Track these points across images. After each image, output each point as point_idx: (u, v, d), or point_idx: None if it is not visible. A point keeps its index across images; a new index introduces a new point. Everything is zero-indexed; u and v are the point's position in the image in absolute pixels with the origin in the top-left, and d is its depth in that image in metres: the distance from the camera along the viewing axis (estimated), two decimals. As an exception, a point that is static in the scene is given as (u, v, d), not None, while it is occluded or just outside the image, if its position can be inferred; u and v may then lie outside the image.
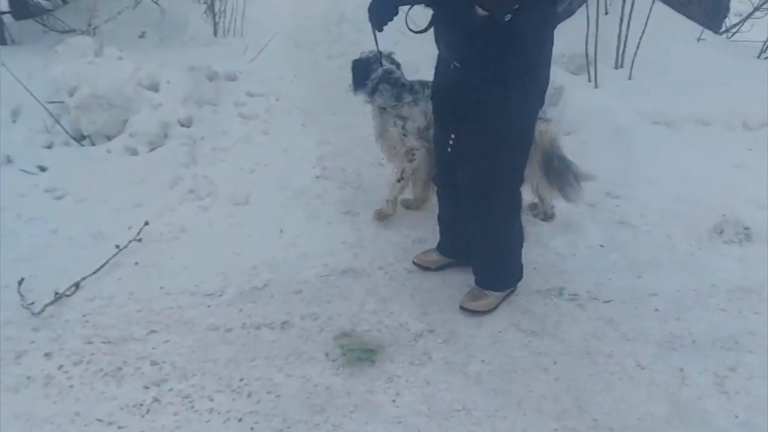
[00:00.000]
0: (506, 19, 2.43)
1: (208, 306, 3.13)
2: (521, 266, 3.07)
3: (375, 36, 2.99)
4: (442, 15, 2.65)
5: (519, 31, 2.47)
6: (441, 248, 3.31)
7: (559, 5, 2.66)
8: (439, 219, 3.29)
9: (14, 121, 4.57)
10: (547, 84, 2.74)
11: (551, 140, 3.33)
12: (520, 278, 3.09)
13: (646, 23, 4.46)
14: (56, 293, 3.14)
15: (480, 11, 2.45)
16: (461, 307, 3.01)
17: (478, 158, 2.76)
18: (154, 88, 4.59)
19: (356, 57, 3.62)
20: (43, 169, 4.20)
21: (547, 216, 3.64)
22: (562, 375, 2.65)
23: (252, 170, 4.25)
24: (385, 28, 2.73)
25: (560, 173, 3.34)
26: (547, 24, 2.62)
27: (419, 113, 3.47)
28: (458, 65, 2.70)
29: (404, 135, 3.51)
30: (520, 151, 2.80)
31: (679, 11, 5.12)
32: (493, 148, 2.72)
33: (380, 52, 3.33)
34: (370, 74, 3.48)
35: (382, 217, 3.68)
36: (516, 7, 2.42)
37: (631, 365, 2.68)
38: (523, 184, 2.97)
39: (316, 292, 3.21)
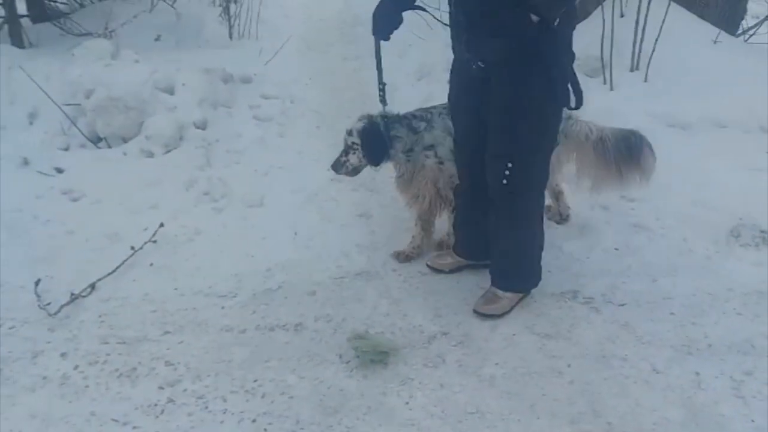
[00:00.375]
0: (555, 24, 2.51)
1: (222, 307, 3.14)
2: (539, 270, 3.05)
3: (378, 57, 3.05)
4: (470, 19, 2.65)
5: (546, 29, 2.51)
6: (457, 250, 3.30)
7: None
8: (456, 222, 3.28)
9: (31, 124, 4.61)
10: (571, 81, 2.73)
11: (602, 128, 3.31)
12: (536, 283, 3.07)
13: (661, 26, 4.44)
14: (72, 294, 3.17)
15: (533, 17, 2.50)
16: (474, 311, 3.01)
17: (506, 157, 2.76)
18: (170, 90, 4.62)
19: (360, 127, 3.28)
20: (59, 171, 4.24)
21: (562, 218, 3.63)
22: (577, 378, 2.63)
23: (266, 172, 4.26)
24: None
25: (637, 146, 3.28)
26: (570, 21, 2.64)
27: (441, 134, 3.26)
28: (482, 65, 2.70)
29: (440, 163, 3.27)
30: (547, 149, 2.82)
31: (695, 13, 5.08)
32: (518, 145, 2.72)
33: (383, 85, 3.12)
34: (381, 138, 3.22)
35: (449, 247, 3.41)
36: (563, 10, 2.51)
37: (647, 369, 2.66)
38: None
39: (330, 294, 3.22)
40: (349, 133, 3.30)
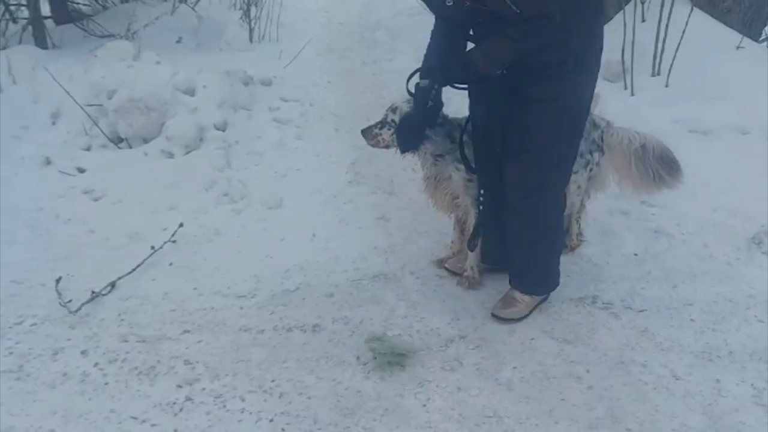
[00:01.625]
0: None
1: (241, 307, 3.16)
2: (558, 273, 3.03)
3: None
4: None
5: (571, 30, 2.52)
6: (482, 255, 3.24)
7: None
8: (480, 227, 3.18)
9: (54, 124, 4.67)
10: (595, 82, 2.75)
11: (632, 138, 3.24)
12: (554, 286, 3.05)
13: (684, 31, 4.41)
14: (93, 292, 3.20)
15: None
16: (492, 315, 3.00)
17: (524, 155, 2.75)
18: (191, 92, 4.66)
19: (405, 110, 3.08)
20: (81, 170, 4.29)
21: (572, 248, 3.46)
22: (595, 384, 2.61)
23: (285, 174, 4.28)
24: None
25: (668, 157, 3.25)
26: (596, 22, 2.64)
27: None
28: (505, 71, 2.69)
29: (469, 180, 3.10)
30: (565, 150, 2.79)
31: (717, 19, 5.05)
32: (539, 146, 2.71)
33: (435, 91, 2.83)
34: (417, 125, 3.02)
35: (473, 284, 3.24)
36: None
37: (666, 375, 2.64)
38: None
39: (348, 296, 3.22)
40: (393, 110, 3.14)
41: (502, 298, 3.04)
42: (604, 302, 3.10)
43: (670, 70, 4.49)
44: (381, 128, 3.16)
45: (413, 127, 2.99)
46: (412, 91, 2.83)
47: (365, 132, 3.21)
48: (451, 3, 2.49)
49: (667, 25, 4.51)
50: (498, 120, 2.80)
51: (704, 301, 3.08)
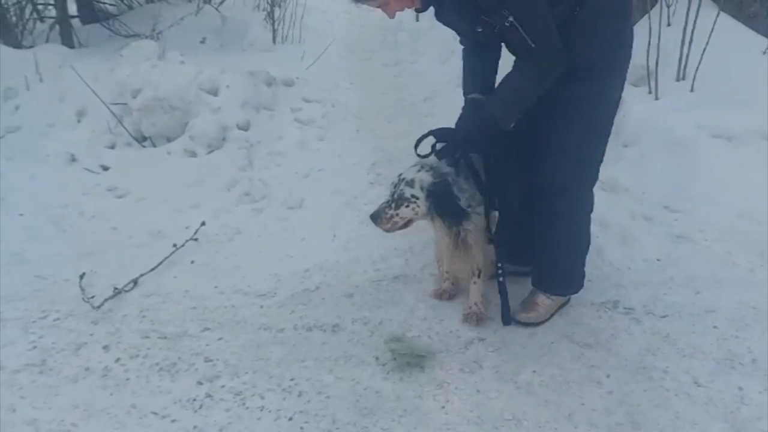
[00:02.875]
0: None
1: (261, 306, 3.18)
2: (582, 275, 3.01)
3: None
4: None
5: (599, 32, 2.52)
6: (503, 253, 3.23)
7: None
8: (499, 221, 3.12)
9: (79, 122, 4.73)
10: (623, 84, 2.72)
11: None
12: (579, 288, 3.03)
13: (709, 35, 4.36)
14: (115, 288, 3.24)
15: None
16: (512, 318, 2.96)
17: (551, 156, 2.73)
18: (214, 92, 4.69)
19: (428, 184, 2.76)
20: (105, 168, 4.34)
21: None
22: (616, 389, 2.59)
23: (306, 175, 4.30)
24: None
25: None
26: (625, 23, 2.61)
27: None
28: None
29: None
30: (592, 151, 2.77)
31: (744, 23, 4.99)
32: (566, 147, 2.69)
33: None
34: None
35: (480, 319, 3.01)
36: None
37: (688, 382, 2.61)
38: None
39: (367, 296, 3.23)
40: (408, 183, 2.77)
41: (523, 300, 3.02)
42: (625, 307, 3.08)
43: (695, 75, 4.44)
44: (397, 207, 2.77)
45: (448, 195, 2.75)
46: (422, 154, 2.81)
47: (376, 217, 2.80)
48: (481, 29, 2.49)
49: (692, 30, 4.46)
50: (525, 120, 2.73)
51: (727, 308, 3.04)
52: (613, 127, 2.84)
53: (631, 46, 2.68)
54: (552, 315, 3.00)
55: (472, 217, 2.83)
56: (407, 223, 2.83)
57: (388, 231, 2.84)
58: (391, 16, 2.67)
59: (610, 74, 2.63)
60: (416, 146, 2.83)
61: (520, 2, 2.37)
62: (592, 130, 2.71)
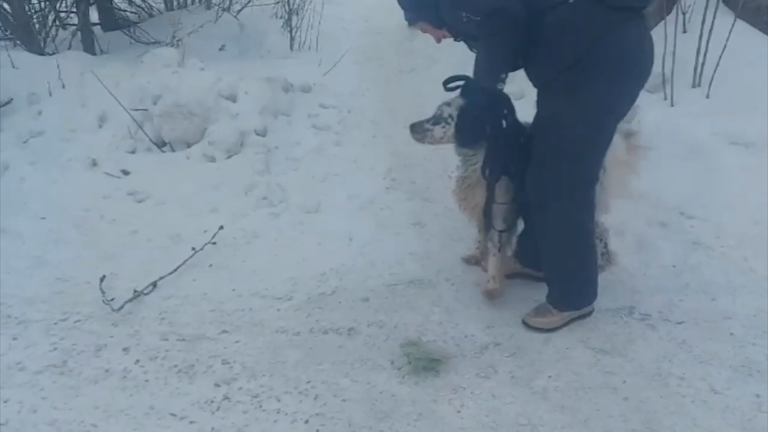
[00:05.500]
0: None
1: (278, 309, 3.21)
2: (591, 289, 2.95)
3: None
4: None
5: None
6: (519, 255, 3.25)
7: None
8: (522, 231, 3.21)
9: (101, 127, 4.78)
10: (624, 89, 2.66)
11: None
12: (588, 302, 2.98)
13: (726, 42, 4.35)
14: (135, 291, 3.28)
15: None
16: (522, 321, 3.00)
17: (534, 166, 2.76)
18: (233, 98, 4.73)
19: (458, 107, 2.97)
20: (126, 173, 4.39)
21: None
22: (632, 395, 2.59)
23: (323, 179, 4.33)
24: None
25: None
26: (603, 31, 2.53)
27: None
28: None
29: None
30: (567, 167, 2.68)
31: (761, 30, 4.96)
32: (539, 160, 2.73)
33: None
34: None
35: (494, 295, 3.17)
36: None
37: (705, 389, 2.61)
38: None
39: (383, 300, 3.25)
40: (448, 104, 2.98)
41: (538, 306, 3.03)
42: (641, 313, 3.08)
43: (711, 82, 4.43)
44: (434, 124, 2.98)
45: (477, 118, 2.89)
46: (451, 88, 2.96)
47: (415, 127, 3.02)
48: (466, 19, 2.71)
49: (708, 36, 4.45)
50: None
51: (744, 315, 3.04)
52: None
53: (634, 52, 2.60)
54: (562, 325, 2.97)
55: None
56: (436, 141, 3.02)
57: (417, 141, 3.06)
58: (437, 41, 3.12)
59: (590, 88, 2.57)
60: (445, 84, 2.95)
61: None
62: (570, 146, 2.65)
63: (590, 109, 2.62)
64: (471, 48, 3.02)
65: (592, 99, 2.59)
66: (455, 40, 3.06)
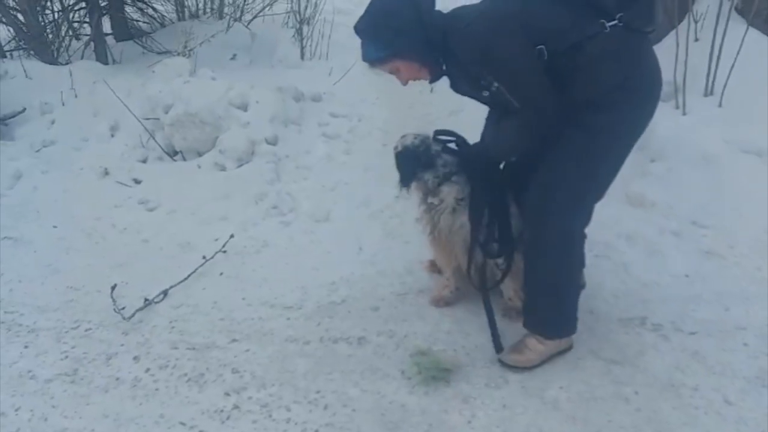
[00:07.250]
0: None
1: (288, 318, 3.20)
2: (575, 316, 2.82)
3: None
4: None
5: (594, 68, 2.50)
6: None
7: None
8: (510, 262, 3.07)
9: (113, 136, 4.82)
10: (636, 113, 2.61)
11: None
12: (571, 331, 2.83)
13: (738, 51, 4.33)
14: (146, 299, 3.29)
15: None
16: (499, 360, 2.82)
17: (541, 186, 2.65)
18: (244, 107, 4.76)
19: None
20: (137, 181, 4.42)
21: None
22: (644, 406, 2.57)
23: (333, 188, 4.33)
24: None
25: None
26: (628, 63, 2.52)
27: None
28: None
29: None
30: (589, 180, 2.63)
31: (773, 38, 4.94)
32: (562, 177, 2.60)
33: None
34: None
35: (518, 314, 3.00)
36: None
37: (718, 400, 2.58)
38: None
39: (393, 310, 3.24)
40: (396, 146, 3.14)
41: (514, 344, 2.86)
42: (653, 323, 3.05)
43: (723, 90, 4.40)
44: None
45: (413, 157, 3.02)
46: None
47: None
48: (487, 94, 2.53)
49: (721, 45, 4.43)
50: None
51: (758, 325, 3.00)
52: (641, 142, 2.82)
53: (633, 81, 2.54)
54: (543, 362, 2.81)
55: (443, 190, 2.97)
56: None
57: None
58: (404, 83, 2.81)
59: (631, 110, 2.54)
60: (435, 135, 3.01)
61: (500, 69, 2.44)
62: (594, 167, 2.59)
63: (628, 130, 2.61)
64: (456, 90, 2.83)
65: (632, 120, 2.60)
66: (431, 82, 2.82)
